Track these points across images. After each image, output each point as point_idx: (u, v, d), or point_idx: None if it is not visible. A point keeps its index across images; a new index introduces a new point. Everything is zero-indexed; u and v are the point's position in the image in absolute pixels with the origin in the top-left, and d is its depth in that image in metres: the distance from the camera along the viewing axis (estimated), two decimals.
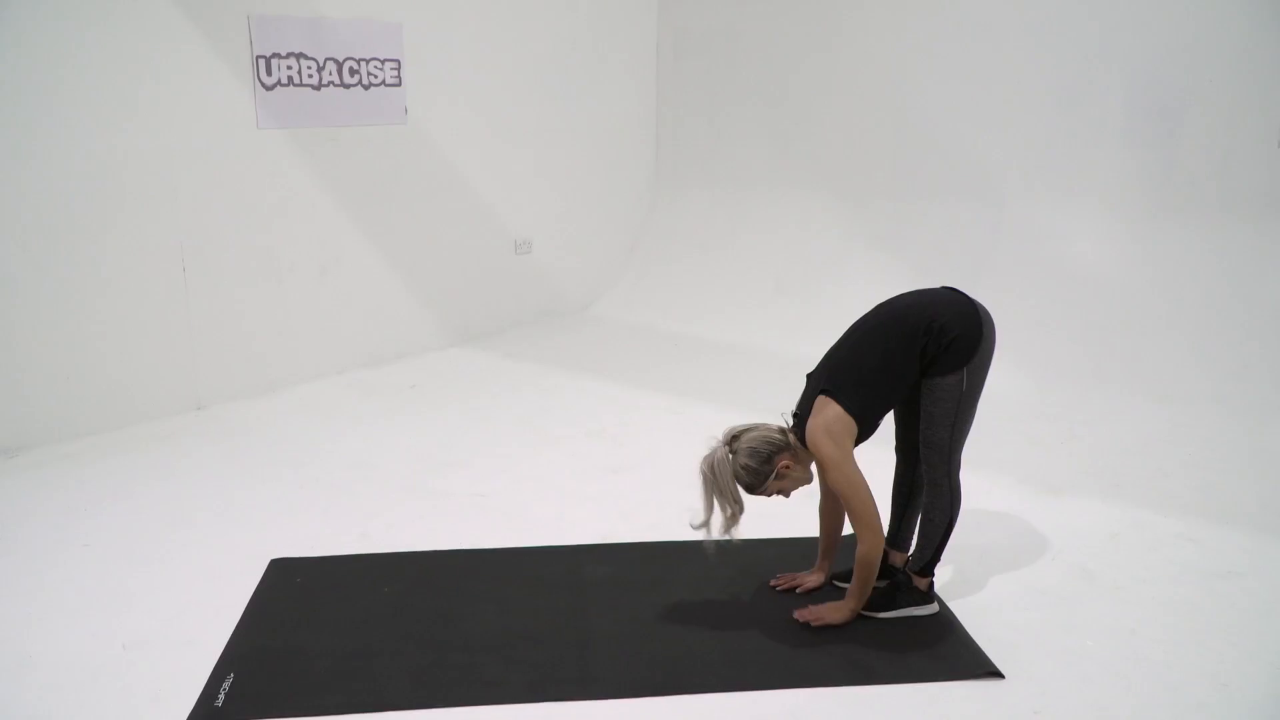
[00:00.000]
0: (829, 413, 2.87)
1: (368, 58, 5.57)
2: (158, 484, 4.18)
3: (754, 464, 2.86)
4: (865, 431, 2.94)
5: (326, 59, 5.37)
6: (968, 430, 3.01)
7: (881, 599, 3.10)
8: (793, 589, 3.27)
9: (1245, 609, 3.15)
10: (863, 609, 3.09)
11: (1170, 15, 5.35)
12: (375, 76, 5.62)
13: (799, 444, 2.93)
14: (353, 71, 5.51)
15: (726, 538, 2.91)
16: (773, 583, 3.30)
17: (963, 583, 3.31)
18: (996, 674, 2.79)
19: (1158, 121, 5.44)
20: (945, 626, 3.04)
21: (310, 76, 5.33)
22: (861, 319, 3.04)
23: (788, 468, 2.90)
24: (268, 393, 5.36)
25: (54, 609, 3.19)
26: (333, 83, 5.43)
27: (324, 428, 4.85)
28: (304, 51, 5.27)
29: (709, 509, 2.88)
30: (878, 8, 6.36)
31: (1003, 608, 3.16)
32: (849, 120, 6.56)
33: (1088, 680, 2.78)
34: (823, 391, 2.91)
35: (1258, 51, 5.14)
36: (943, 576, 3.30)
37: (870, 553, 2.90)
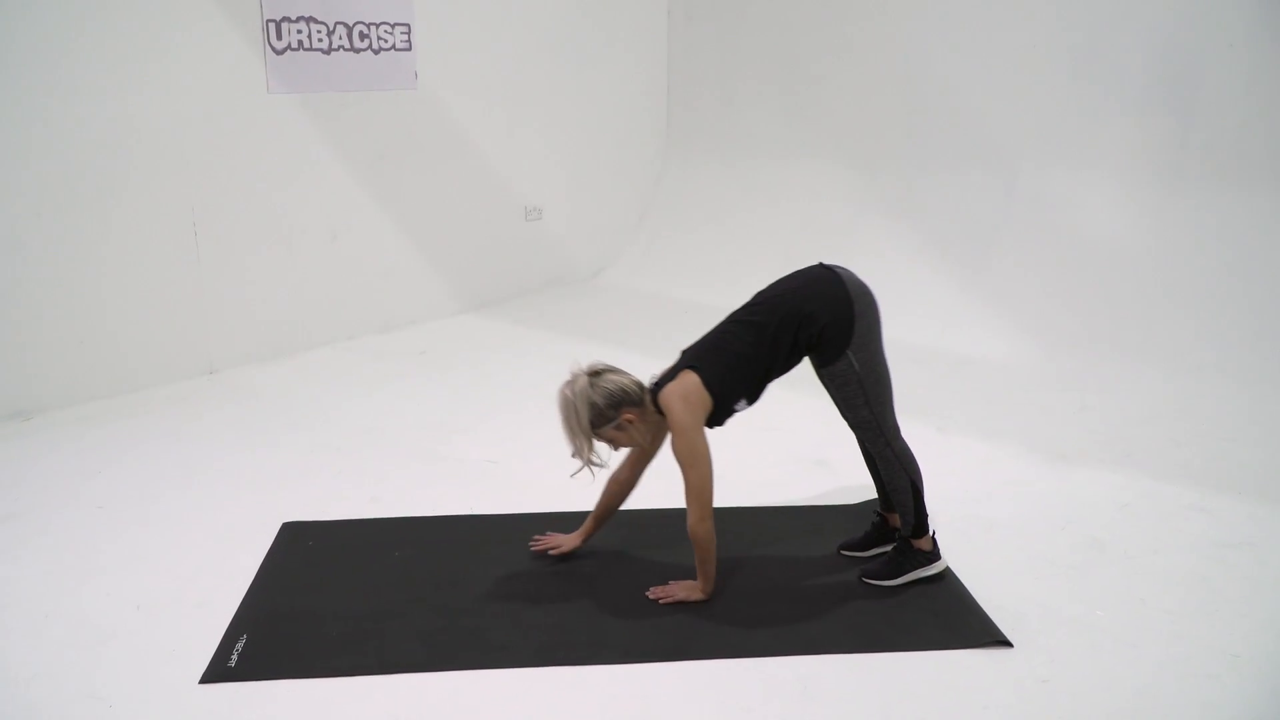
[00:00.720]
0: (689, 381, 2.88)
1: (378, 22, 5.53)
2: (170, 447, 4.20)
3: (602, 404, 2.86)
4: (719, 415, 2.94)
5: (336, 23, 5.34)
6: (889, 397, 3.01)
7: (888, 567, 3.11)
8: (546, 550, 3.30)
9: (1257, 579, 3.15)
10: (871, 579, 3.10)
11: None
12: (385, 41, 5.59)
13: (652, 407, 2.93)
14: (363, 35, 5.48)
15: (593, 464, 2.91)
16: (532, 544, 3.35)
17: (972, 552, 3.31)
18: (1005, 643, 2.80)
19: (1173, 90, 5.37)
20: (954, 595, 3.04)
21: (320, 40, 5.30)
22: (742, 307, 3.04)
23: (630, 421, 2.90)
24: (279, 357, 5.37)
25: (69, 569, 3.22)
26: (343, 47, 5.40)
27: (334, 393, 4.86)
28: (314, 15, 5.24)
29: (570, 437, 2.88)
30: None
31: (1012, 577, 3.16)
32: (861, 88, 6.51)
33: (1097, 650, 2.79)
34: (689, 367, 2.91)
35: (1275, 18, 5.06)
36: (951, 545, 3.30)
37: (695, 527, 2.89)
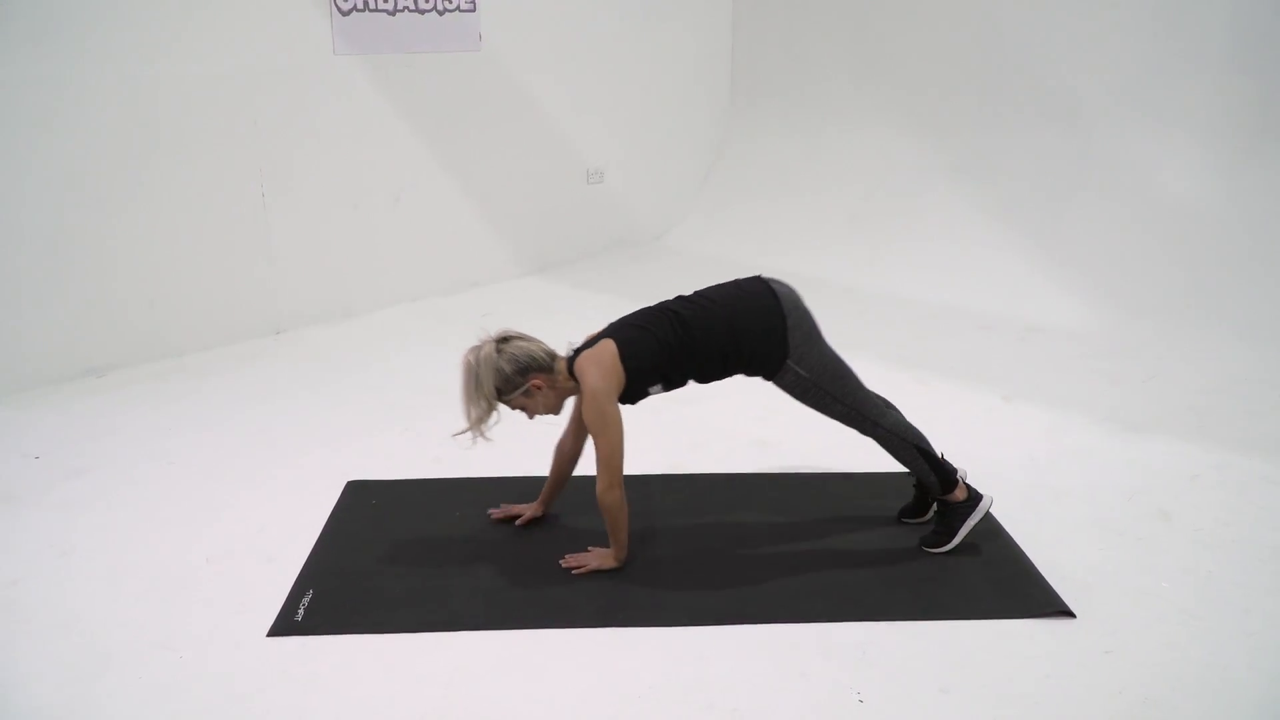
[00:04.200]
0: (606, 350, 2.85)
1: None
2: (239, 405, 4.29)
3: (508, 370, 2.83)
4: (630, 394, 2.91)
5: None
6: (854, 384, 2.97)
7: (941, 533, 3.07)
8: (511, 519, 3.28)
9: None
10: (930, 549, 3.07)
11: None
12: (450, 2, 5.59)
13: (566, 374, 2.90)
14: None
15: (478, 436, 2.89)
16: (490, 512, 3.33)
17: (1036, 521, 3.27)
18: (1067, 613, 2.76)
19: (1256, 50, 5.17)
20: (1016, 564, 3.01)
21: (385, 1, 5.31)
22: (679, 299, 3.03)
23: (538, 388, 2.88)
24: (344, 318, 5.45)
25: (141, 523, 3.31)
26: (407, 8, 5.41)
27: (398, 354, 4.92)
28: None
29: (467, 403, 2.86)
30: None
31: (1076, 547, 3.11)
32: (931, 47, 6.37)
33: (1162, 621, 2.74)
34: (612, 338, 2.88)
35: None
36: (1016, 514, 3.26)
37: (603, 495, 2.86)
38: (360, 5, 5.22)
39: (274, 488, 3.56)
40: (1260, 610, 2.78)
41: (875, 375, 4.49)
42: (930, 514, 3.23)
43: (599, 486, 2.87)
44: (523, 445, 3.87)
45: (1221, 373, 4.51)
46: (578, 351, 2.94)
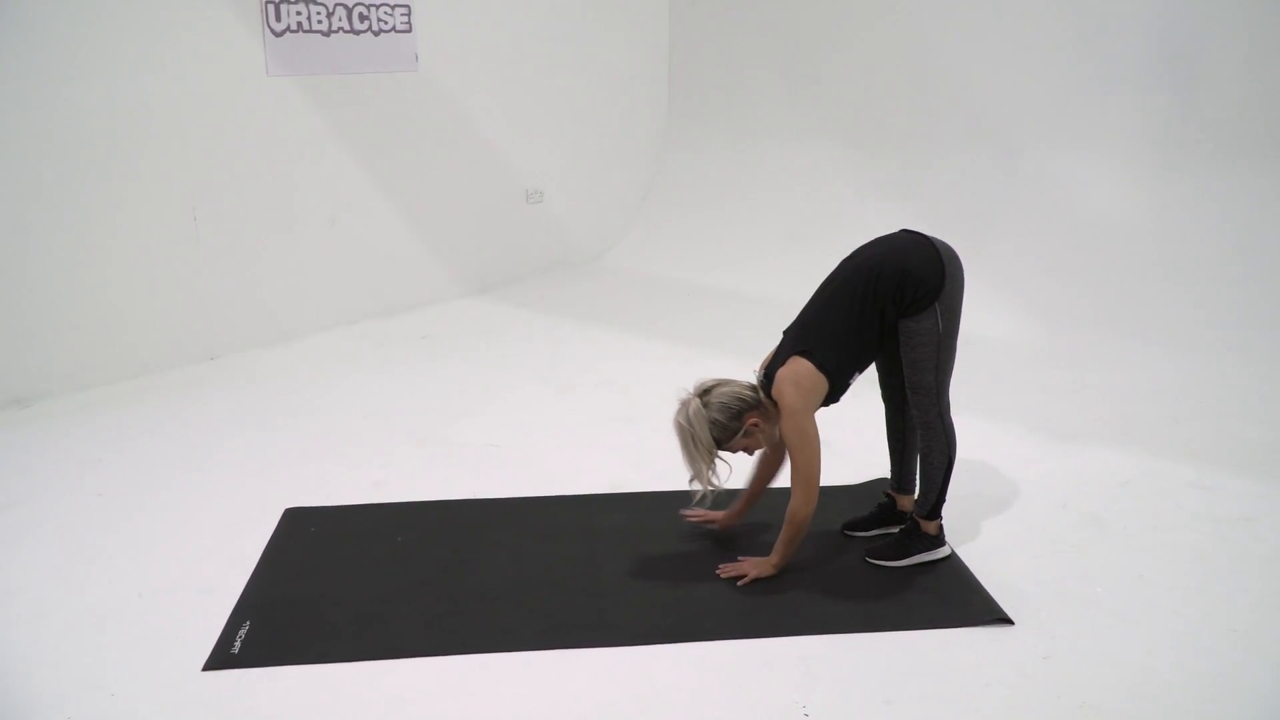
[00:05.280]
0: (801, 367, 2.87)
1: (377, 3, 5.50)
2: (172, 433, 4.21)
3: (723, 419, 2.86)
4: (836, 393, 2.94)
5: (336, 4, 5.32)
6: (951, 369, 3.01)
7: (894, 549, 3.11)
8: (705, 523, 3.30)
9: (1256, 555, 3.15)
10: (877, 559, 3.11)
11: None
12: (385, 22, 5.57)
13: (768, 401, 2.93)
14: (362, 17, 5.45)
15: (712, 489, 2.92)
16: (683, 511, 3.32)
17: (972, 530, 3.32)
18: (1005, 620, 2.81)
19: (1175, 67, 5.34)
20: (955, 573, 3.05)
21: (320, 22, 5.27)
22: (831, 275, 3.03)
23: (756, 425, 2.90)
24: (280, 342, 5.37)
25: (70, 558, 3.23)
26: (342, 29, 5.38)
27: (337, 378, 4.87)
28: None
29: (691, 462, 2.89)
30: None
31: (1012, 555, 3.17)
32: (864, 68, 6.48)
33: (1096, 626, 2.79)
34: (798, 353, 2.90)
35: None
36: (952, 524, 3.30)
37: (800, 510, 2.89)
38: (294, 26, 5.17)
39: (209, 517, 3.49)
40: (1189, 612, 2.85)
41: None
42: (874, 531, 3.28)
43: (796, 501, 2.87)
44: (463, 470, 3.86)
45: (1147, 381, 4.63)
46: (769, 375, 2.94)
